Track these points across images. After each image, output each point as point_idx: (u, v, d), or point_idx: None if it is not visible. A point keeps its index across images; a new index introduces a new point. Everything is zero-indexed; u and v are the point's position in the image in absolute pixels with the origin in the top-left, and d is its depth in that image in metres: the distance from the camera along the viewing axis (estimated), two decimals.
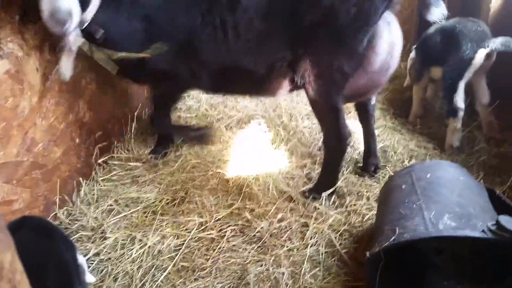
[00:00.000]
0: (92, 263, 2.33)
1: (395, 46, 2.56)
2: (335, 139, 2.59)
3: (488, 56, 2.99)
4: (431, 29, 3.44)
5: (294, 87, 2.63)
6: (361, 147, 3.22)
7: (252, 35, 2.38)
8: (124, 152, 3.39)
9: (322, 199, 2.72)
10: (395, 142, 3.32)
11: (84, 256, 2.34)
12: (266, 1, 2.28)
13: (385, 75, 2.64)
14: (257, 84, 2.65)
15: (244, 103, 4.15)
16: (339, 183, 2.83)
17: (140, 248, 2.45)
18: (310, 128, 3.62)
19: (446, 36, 3.23)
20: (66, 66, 2.46)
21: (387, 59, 2.53)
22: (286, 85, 2.62)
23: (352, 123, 3.43)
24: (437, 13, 2.26)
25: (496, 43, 2.92)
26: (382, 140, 3.33)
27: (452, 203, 1.87)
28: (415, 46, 3.69)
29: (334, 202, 2.72)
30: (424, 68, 3.53)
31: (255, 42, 2.40)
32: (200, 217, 2.66)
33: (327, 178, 2.79)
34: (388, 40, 2.48)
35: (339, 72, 2.37)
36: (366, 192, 2.80)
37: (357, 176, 3.00)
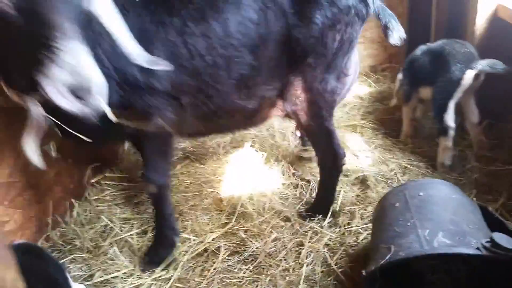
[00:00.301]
0: (87, 286, 2.30)
1: (357, 67, 2.77)
2: (331, 160, 2.62)
3: (476, 77, 3.05)
4: (417, 51, 3.51)
5: (281, 113, 2.60)
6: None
7: (245, 70, 2.24)
8: (117, 172, 3.37)
9: (317, 218, 2.72)
10: (387, 161, 3.35)
11: (79, 277, 2.31)
12: (258, 35, 2.19)
13: (347, 93, 2.82)
14: (247, 118, 2.54)
15: None
16: None
17: (135, 269, 2.43)
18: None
19: (434, 57, 3.29)
20: (33, 149, 1.81)
21: (353, 79, 2.71)
22: (274, 113, 2.61)
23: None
24: (396, 37, 2.43)
25: (484, 64, 2.98)
26: (374, 160, 3.36)
27: (446, 220, 1.89)
28: (402, 68, 3.75)
29: (328, 221, 2.72)
30: (413, 89, 3.58)
31: (247, 77, 2.27)
32: (195, 236, 2.65)
33: (324, 199, 2.80)
34: (354, 62, 2.63)
35: (330, 94, 2.43)
36: (360, 210, 2.80)
37: (350, 195, 3.00)
